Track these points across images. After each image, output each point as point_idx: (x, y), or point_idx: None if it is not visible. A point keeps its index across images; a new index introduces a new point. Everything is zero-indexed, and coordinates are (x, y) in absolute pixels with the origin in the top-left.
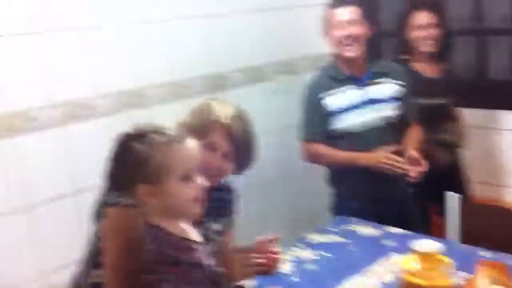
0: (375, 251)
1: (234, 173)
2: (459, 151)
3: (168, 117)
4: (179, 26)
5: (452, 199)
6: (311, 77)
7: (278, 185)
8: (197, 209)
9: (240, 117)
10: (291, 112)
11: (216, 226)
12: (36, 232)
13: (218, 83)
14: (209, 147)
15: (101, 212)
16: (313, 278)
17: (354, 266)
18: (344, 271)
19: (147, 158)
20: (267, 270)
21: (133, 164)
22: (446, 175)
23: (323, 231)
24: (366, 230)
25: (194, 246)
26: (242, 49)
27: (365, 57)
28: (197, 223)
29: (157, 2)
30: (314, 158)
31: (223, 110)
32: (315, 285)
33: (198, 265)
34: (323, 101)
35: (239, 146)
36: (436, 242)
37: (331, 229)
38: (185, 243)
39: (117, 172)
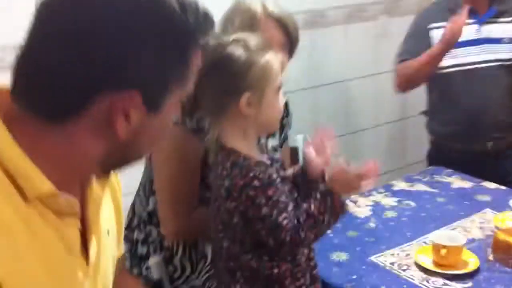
0: (467, 205)
1: None
2: None
3: None
4: None
5: None
6: (426, 6)
7: (371, 131)
8: (277, 126)
9: (277, 4)
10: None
11: (272, 142)
12: None
13: (315, 20)
14: None
15: None
16: (392, 225)
17: (440, 219)
18: (428, 223)
19: (250, 64)
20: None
21: (237, 71)
22: None
23: (411, 180)
24: (461, 182)
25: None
26: None
27: None
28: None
29: None
30: (401, 77)
31: (259, 3)
32: (393, 232)
33: (284, 179)
34: (431, 32)
35: (292, 35)
36: None
37: (421, 178)
38: (265, 164)
39: (217, 82)
